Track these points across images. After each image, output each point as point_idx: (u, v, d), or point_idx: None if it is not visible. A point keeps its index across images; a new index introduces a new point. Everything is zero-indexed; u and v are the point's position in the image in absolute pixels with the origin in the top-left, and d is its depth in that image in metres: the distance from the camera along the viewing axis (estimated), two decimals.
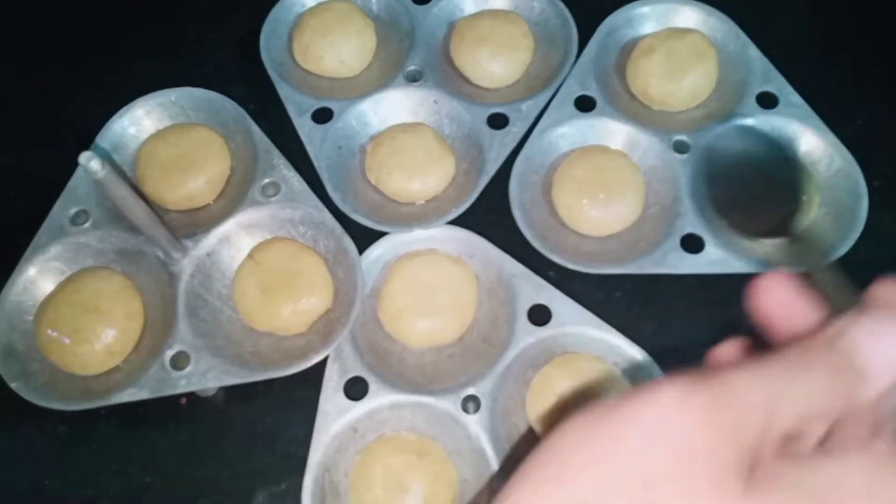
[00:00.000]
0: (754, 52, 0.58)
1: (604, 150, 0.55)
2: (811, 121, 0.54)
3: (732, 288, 0.52)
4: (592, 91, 0.57)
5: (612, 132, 0.55)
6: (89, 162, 0.40)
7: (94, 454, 0.48)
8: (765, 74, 0.57)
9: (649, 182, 0.54)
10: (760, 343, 0.27)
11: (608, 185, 0.53)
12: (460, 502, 0.45)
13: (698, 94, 0.57)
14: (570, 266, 0.50)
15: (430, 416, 0.46)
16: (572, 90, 0.57)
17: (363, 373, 0.47)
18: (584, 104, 0.57)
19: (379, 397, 0.47)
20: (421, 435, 0.47)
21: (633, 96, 0.58)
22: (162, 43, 0.64)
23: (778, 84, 0.56)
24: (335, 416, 0.46)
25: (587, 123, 0.56)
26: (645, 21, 0.60)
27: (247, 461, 0.48)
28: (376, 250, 0.52)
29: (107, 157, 0.53)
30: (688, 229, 0.51)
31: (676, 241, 0.51)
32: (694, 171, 0.53)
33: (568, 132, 0.56)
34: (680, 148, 0.54)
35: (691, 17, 0.59)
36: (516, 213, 0.51)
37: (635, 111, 0.57)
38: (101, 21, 0.66)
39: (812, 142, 0.54)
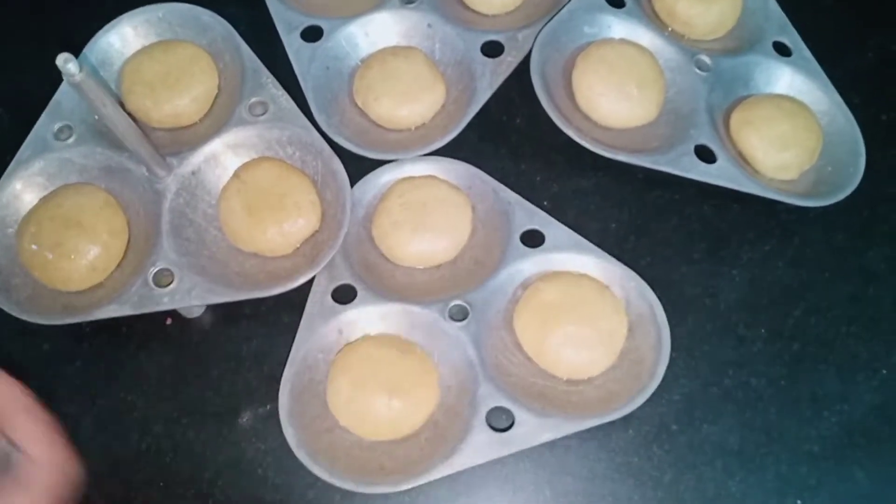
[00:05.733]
0: (773, 5, 0.58)
1: (634, 44, 0.54)
2: (819, 77, 0.55)
3: (732, 221, 0.52)
4: None
5: (639, 34, 0.55)
6: (66, 64, 0.38)
7: (78, 372, 0.48)
8: (781, 27, 0.57)
9: (668, 88, 0.53)
10: None
11: (633, 77, 0.52)
12: (442, 408, 0.44)
13: (723, 23, 0.56)
14: (584, 144, 0.49)
15: (417, 324, 0.46)
16: None
17: (352, 281, 0.47)
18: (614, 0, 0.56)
19: (366, 304, 0.46)
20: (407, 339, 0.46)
21: (655, 14, 0.57)
22: None
23: (793, 38, 0.57)
24: (321, 318, 0.46)
25: (616, 19, 0.55)
26: None
27: (231, 383, 0.47)
28: (374, 178, 0.51)
29: (92, 69, 0.51)
30: (702, 140, 0.51)
31: (690, 147, 0.50)
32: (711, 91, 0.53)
33: (596, 20, 0.55)
34: (700, 66, 0.54)
35: None
36: (536, 81, 0.50)
37: (657, 27, 0.56)
38: None
39: (818, 97, 0.54)
